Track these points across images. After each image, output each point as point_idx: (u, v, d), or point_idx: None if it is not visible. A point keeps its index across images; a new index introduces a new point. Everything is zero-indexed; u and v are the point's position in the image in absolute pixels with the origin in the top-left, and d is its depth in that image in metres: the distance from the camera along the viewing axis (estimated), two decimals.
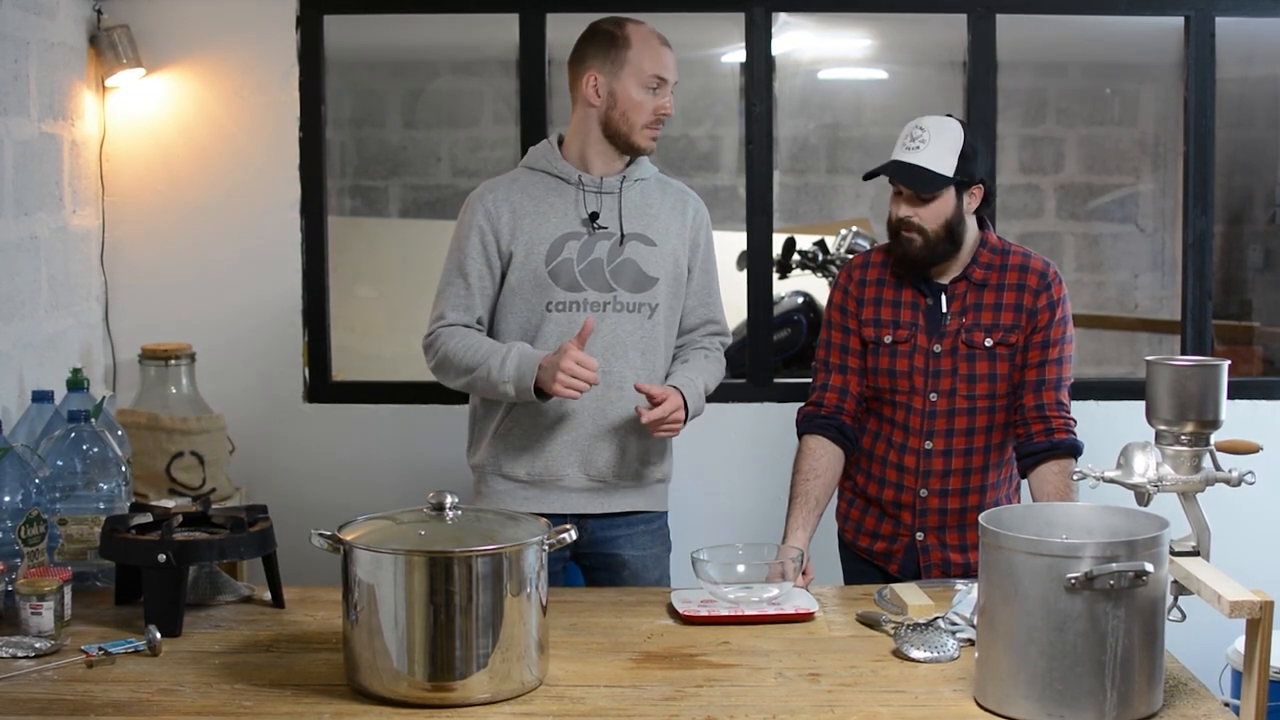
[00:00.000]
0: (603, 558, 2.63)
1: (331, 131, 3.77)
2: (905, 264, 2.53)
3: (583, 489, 2.59)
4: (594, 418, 2.56)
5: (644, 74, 2.53)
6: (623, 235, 2.56)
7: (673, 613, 2.22)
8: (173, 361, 3.24)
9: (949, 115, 2.55)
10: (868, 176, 2.56)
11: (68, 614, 2.14)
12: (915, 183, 2.47)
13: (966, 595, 2.14)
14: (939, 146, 2.46)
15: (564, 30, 3.61)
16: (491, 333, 2.61)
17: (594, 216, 2.55)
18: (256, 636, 2.12)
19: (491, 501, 2.60)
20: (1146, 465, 2.03)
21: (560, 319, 2.54)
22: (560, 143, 2.63)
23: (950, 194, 2.48)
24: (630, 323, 2.56)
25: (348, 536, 1.89)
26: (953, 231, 2.49)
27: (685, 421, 2.54)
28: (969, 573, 2.49)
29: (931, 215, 2.47)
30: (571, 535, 2.00)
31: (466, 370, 2.52)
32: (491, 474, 2.62)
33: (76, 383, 2.64)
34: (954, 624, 2.08)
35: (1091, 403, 3.37)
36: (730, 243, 3.81)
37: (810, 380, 2.66)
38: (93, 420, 2.44)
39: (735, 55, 4.22)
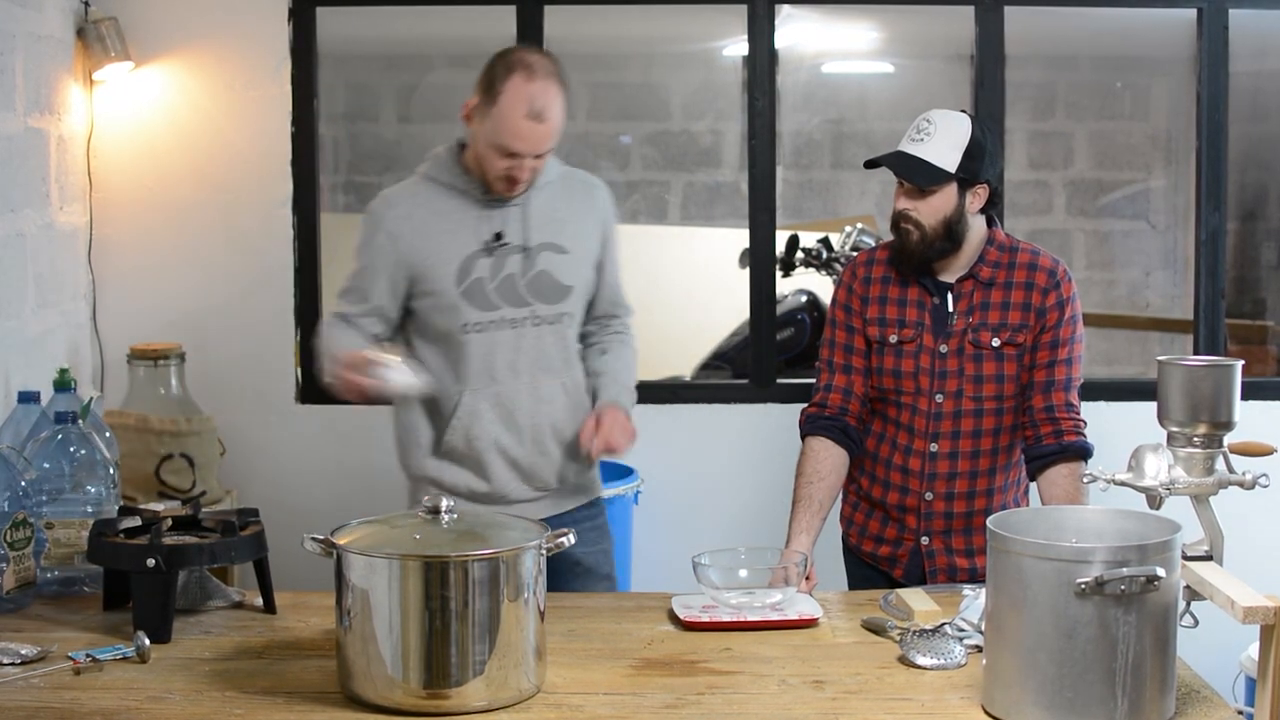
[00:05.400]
0: (553, 559, 2.56)
1: (324, 126, 3.76)
2: (903, 258, 2.50)
3: (528, 500, 2.53)
4: (532, 435, 2.50)
5: (495, 138, 2.39)
6: (533, 247, 2.48)
7: (673, 618, 2.19)
8: (162, 361, 3.23)
9: (963, 111, 2.51)
10: (869, 164, 2.54)
11: None
12: (913, 175, 2.44)
13: (974, 600, 2.11)
14: (944, 141, 2.43)
15: (562, 23, 3.59)
16: (419, 358, 2.51)
17: (498, 236, 2.46)
18: (248, 643, 2.09)
19: None
20: (1158, 468, 2.01)
21: (479, 340, 2.46)
22: (463, 148, 2.50)
23: (951, 190, 2.44)
24: (551, 335, 2.50)
25: (341, 541, 1.86)
26: (951, 229, 2.45)
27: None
28: (975, 578, 2.47)
29: (930, 210, 2.44)
30: (570, 539, 1.97)
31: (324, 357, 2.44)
32: (431, 488, 2.53)
33: (63, 383, 2.61)
34: (961, 630, 2.06)
35: (1102, 404, 3.35)
36: (732, 240, 3.79)
37: (814, 381, 2.63)
38: (80, 422, 2.41)
39: (737, 48, 4.20)
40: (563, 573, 2.59)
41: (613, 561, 2.66)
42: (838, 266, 4.19)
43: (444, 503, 1.93)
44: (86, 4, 3.32)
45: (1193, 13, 3.54)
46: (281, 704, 1.83)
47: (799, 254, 4.25)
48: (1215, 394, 1.98)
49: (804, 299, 4.38)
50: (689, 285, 4.92)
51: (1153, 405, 2.05)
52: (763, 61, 3.52)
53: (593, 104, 5.00)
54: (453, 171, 2.49)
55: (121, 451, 2.89)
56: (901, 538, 2.57)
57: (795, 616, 2.16)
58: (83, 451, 2.37)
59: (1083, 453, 2.45)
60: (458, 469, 2.52)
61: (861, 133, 4.97)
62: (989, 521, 1.79)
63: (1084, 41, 4.75)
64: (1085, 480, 2.11)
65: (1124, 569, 1.67)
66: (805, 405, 2.62)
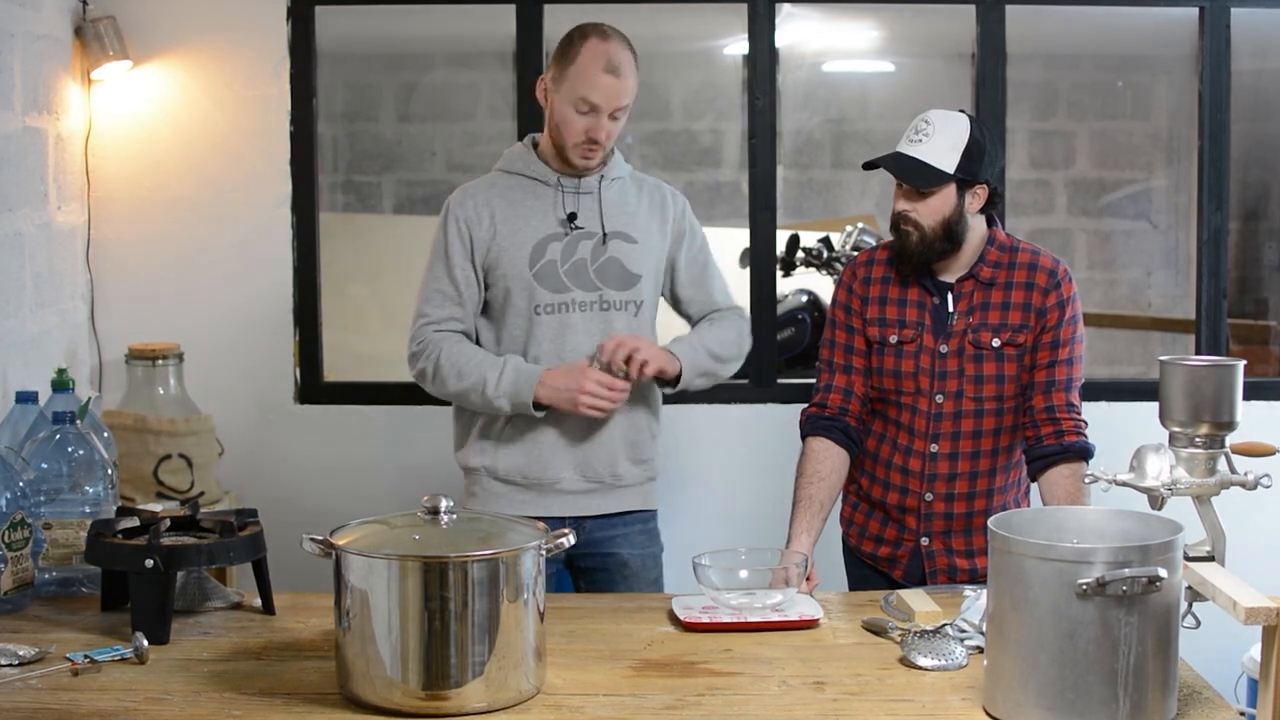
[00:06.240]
0: (602, 558, 2.63)
1: (323, 126, 3.75)
2: (902, 259, 2.49)
3: (579, 491, 2.60)
4: (589, 419, 2.55)
5: (574, 94, 2.50)
6: (605, 234, 2.57)
7: (674, 619, 2.19)
8: (160, 361, 3.22)
9: (961, 110, 2.50)
10: (867, 166, 2.53)
11: None
12: (912, 177, 2.43)
13: (975, 601, 2.11)
14: (942, 141, 2.42)
15: (561, 22, 3.58)
16: (479, 341, 2.61)
17: (572, 217, 2.56)
18: (246, 644, 2.09)
19: (486, 503, 2.61)
20: (1160, 468, 2.00)
21: (549, 321, 2.55)
22: (536, 145, 2.63)
23: (950, 191, 2.43)
24: (619, 321, 2.58)
25: (340, 541, 1.86)
26: (951, 230, 2.45)
27: (681, 375, 2.58)
28: (975, 579, 2.46)
29: (929, 211, 2.43)
30: (570, 540, 1.97)
31: (458, 379, 2.53)
32: (485, 475, 2.62)
33: (62, 383, 2.60)
34: (962, 631, 2.05)
35: (1103, 404, 3.35)
36: (733, 239, 3.77)
37: (814, 381, 2.62)
38: (78, 422, 2.41)
39: (738, 47, 4.19)
40: (611, 573, 2.63)
41: (660, 566, 2.71)
42: (838, 266, 4.19)
43: (443, 503, 1.92)
44: (85, 3, 3.30)
45: (1194, 11, 3.53)
46: (280, 705, 1.83)
47: (799, 254, 4.24)
48: (1217, 394, 1.98)
49: (805, 299, 4.37)
50: None
51: (1154, 405, 2.05)
52: (763, 60, 3.51)
53: None
54: (527, 161, 2.60)
55: (120, 452, 2.88)
56: (901, 538, 2.56)
57: (796, 617, 2.16)
58: (81, 452, 2.37)
59: (1084, 453, 2.45)
60: (513, 452, 2.57)
61: (862, 132, 4.97)
62: (990, 522, 1.79)
63: (1085, 40, 4.74)
64: (1086, 481, 2.10)
65: (1126, 570, 1.66)
66: (805, 405, 2.62)
